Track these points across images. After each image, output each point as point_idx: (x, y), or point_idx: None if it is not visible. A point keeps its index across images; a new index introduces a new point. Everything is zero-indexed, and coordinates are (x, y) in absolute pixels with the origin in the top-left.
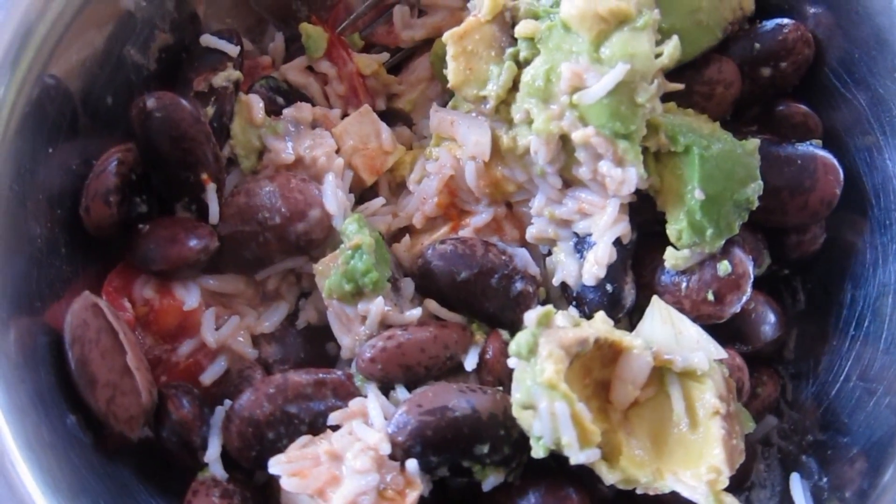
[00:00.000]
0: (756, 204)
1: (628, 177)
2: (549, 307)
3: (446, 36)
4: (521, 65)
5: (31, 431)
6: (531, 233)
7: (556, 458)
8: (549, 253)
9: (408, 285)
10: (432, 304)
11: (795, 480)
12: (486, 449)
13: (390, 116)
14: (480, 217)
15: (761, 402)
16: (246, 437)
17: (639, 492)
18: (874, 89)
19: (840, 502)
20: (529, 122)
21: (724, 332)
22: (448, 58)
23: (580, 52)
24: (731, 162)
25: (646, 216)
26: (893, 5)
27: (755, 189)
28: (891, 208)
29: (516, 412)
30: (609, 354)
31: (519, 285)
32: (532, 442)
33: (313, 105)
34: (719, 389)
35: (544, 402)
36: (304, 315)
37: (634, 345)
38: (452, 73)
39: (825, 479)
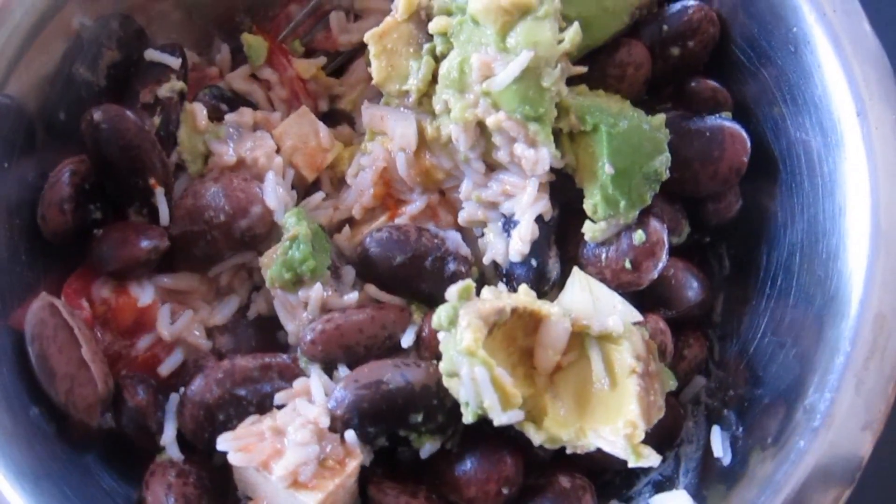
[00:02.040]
0: (665, 175)
1: (541, 156)
2: (469, 281)
3: (367, 36)
4: (437, 59)
5: None
6: (462, 216)
7: (492, 426)
8: (482, 234)
9: (348, 272)
10: (372, 289)
11: (716, 432)
12: (420, 418)
13: (334, 116)
14: (415, 205)
15: (688, 363)
16: (198, 420)
17: (568, 451)
18: (774, 61)
19: (754, 448)
20: (449, 111)
21: (649, 298)
22: (371, 56)
23: (488, 44)
24: (638, 137)
25: (568, 195)
26: None
27: (663, 161)
28: (796, 172)
29: (445, 381)
30: (530, 323)
31: (452, 266)
32: (462, 409)
33: (256, 110)
34: (637, 350)
35: (465, 369)
36: (255, 307)
37: (552, 312)
38: (375, 70)
39: (741, 429)
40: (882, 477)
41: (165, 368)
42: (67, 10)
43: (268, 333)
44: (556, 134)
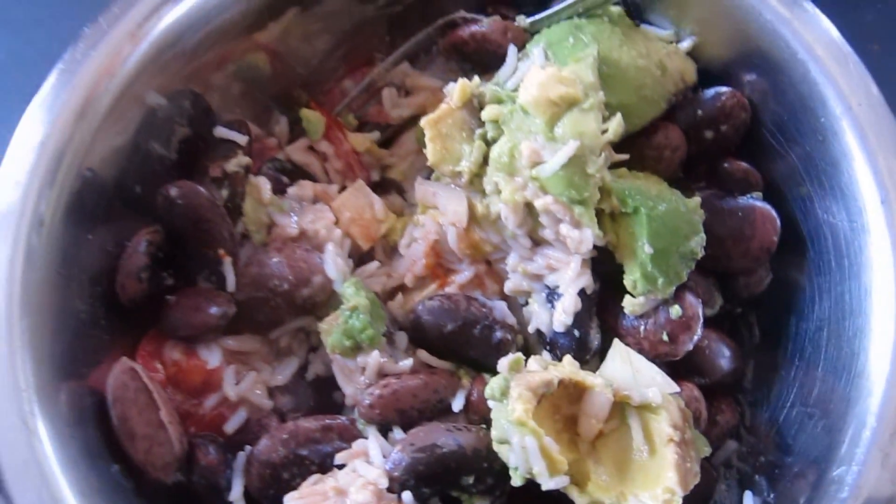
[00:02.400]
0: (700, 254)
1: (585, 237)
2: (519, 355)
3: (423, 122)
4: (489, 143)
5: (83, 479)
6: (508, 287)
7: (538, 486)
8: (526, 303)
9: (401, 338)
10: (423, 354)
11: (748, 498)
12: (471, 480)
13: (384, 186)
14: (463, 275)
15: (720, 428)
16: (264, 478)
17: None
18: (803, 147)
19: None
20: (498, 192)
21: (684, 367)
22: (426, 140)
23: (537, 132)
24: (675, 219)
25: (608, 268)
26: (810, 76)
27: (698, 241)
28: (823, 251)
29: (495, 446)
30: (575, 393)
31: (499, 334)
32: (511, 472)
33: (315, 181)
34: (674, 419)
35: (516, 438)
36: (313, 368)
37: (596, 384)
38: (430, 153)
39: (772, 496)
40: None
41: (231, 426)
42: (141, 86)
43: (325, 393)
44: (599, 214)
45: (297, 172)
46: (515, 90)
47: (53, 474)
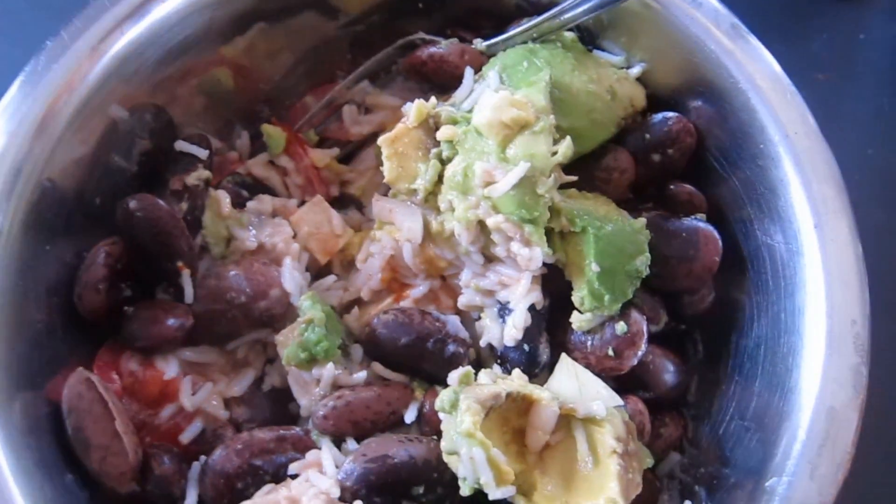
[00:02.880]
0: (645, 273)
1: (535, 255)
2: (469, 368)
3: (381, 140)
4: (444, 162)
5: (37, 490)
6: (462, 302)
7: (485, 496)
8: (479, 318)
9: (356, 351)
10: (378, 367)
11: None
12: (421, 490)
13: (343, 201)
14: (419, 289)
15: (664, 441)
16: (218, 488)
17: None
18: (744, 171)
19: None
20: (452, 210)
21: (630, 381)
22: (384, 158)
23: (490, 153)
24: (621, 239)
25: (558, 285)
26: (751, 104)
27: (643, 261)
28: (761, 271)
29: (445, 457)
30: (523, 406)
31: (451, 348)
32: (460, 482)
33: (275, 195)
34: (617, 432)
35: (464, 449)
36: (269, 379)
37: (543, 397)
38: (387, 170)
39: None
40: None
41: (186, 437)
42: (102, 99)
43: (281, 404)
44: (548, 232)
45: (258, 187)
46: (471, 111)
47: (6, 483)
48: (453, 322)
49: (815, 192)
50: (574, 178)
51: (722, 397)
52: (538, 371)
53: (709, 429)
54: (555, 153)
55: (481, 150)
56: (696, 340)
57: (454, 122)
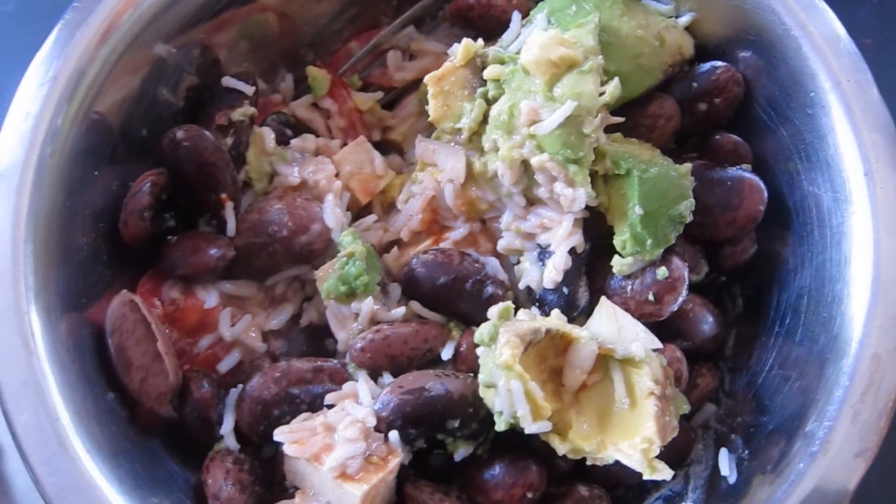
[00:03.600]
0: (689, 218)
1: (578, 195)
2: (509, 303)
3: (427, 78)
4: (489, 102)
5: (80, 402)
6: (501, 245)
7: (520, 437)
8: (518, 262)
9: (395, 289)
10: (416, 305)
11: (723, 454)
12: (456, 423)
13: (384, 147)
14: (458, 231)
15: (700, 391)
16: (255, 414)
17: (588, 462)
18: (792, 121)
19: (757, 470)
20: (496, 150)
21: (668, 330)
22: (429, 96)
23: (537, 92)
24: (665, 183)
25: (599, 231)
26: (802, 51)
27: (687, 206)
28: (807, 222)
29: (482, 391)
30: (561, 345)
31: (490, 289)
32: (495, 417)
33: (317, 136)
34: (655, 374)
35: (502, 381)
36: (307, 315)
37: (581, 336)
38: (432, 109)
39: (746, 452)
40: None
41: (224, 366)
42: (152, 37)
43: (317, 340)
44: (592, 176)
45: (301, 128)
46: (518, 53)
47: (51, 395)
48: (492, 264)
49: (866, 140)
50: (620, 119)
51: (761, 349)
52: (576, 314)
53: (746, 380)
54: (602, 93)
55: (528, 89)
56: (736, 294)
57: (501, 62)
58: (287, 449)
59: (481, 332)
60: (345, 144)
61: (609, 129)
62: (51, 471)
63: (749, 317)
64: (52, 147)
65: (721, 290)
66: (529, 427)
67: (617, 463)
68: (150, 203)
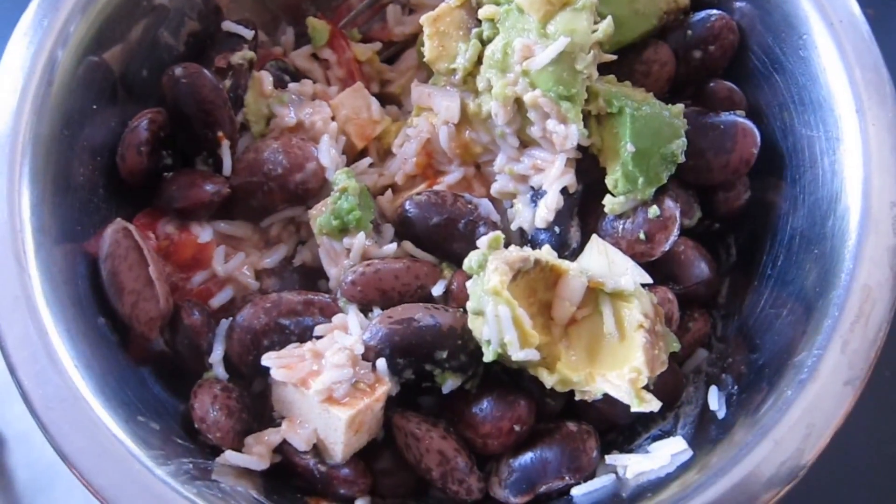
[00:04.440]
0: (681, 158)
1: (570, 132)
2: (498, 232)
3: (423, 18)
4: (484, 42)
5: (70, 321)
6: (495, 188)
7: (510, 374)
8: (511, 206)
9: (388, 230)
10: (408, 245)
11: (713, 391)
12: (444, 355)
13: (383, 99)
14: (453, 175)
15: (692, 335)
16: (245, 344)
17: (577, 397)
18: (786, 66)
19: (747, 401)
20: (490, 90)
21: (660, 272)
22: (424, 37)
23: (530, 30)
24: (657, 122)
25: (592, 176)
26: None
27: (679, 145)
28: (799, 165)
29: (470, 321)
30: (551, 278)
31: (482, 230)
32: (483, 347)
33: (315, 83)
34: (645, 308)
35: (490, 307)
36: (300, 256)
37: (571, 268)
38: (428, 50)
39: (736, 388)
40: None
41: (217, 301)
42: None
43: (310, 280)
44: (585, 116)
45: (300, 76)
46: None
47: (40, 311)
48: (485, 205)
49: (857, 78)
50: (613, 56)
51: (754, 294)
52: (568, 254)
53: (738, 324)
54: (595, 31)
55: (522, 27)
56: (730, 244)
57: (496, 3)
58: (274, 373)
59: (470, 259)
60: None
61: (602, 71)
62: (39, 383)
63: (743, 265)
64: (51, 76)
65: (715, 239)
66: (517, 354)
67: (606, 402)
68: (148, 138)
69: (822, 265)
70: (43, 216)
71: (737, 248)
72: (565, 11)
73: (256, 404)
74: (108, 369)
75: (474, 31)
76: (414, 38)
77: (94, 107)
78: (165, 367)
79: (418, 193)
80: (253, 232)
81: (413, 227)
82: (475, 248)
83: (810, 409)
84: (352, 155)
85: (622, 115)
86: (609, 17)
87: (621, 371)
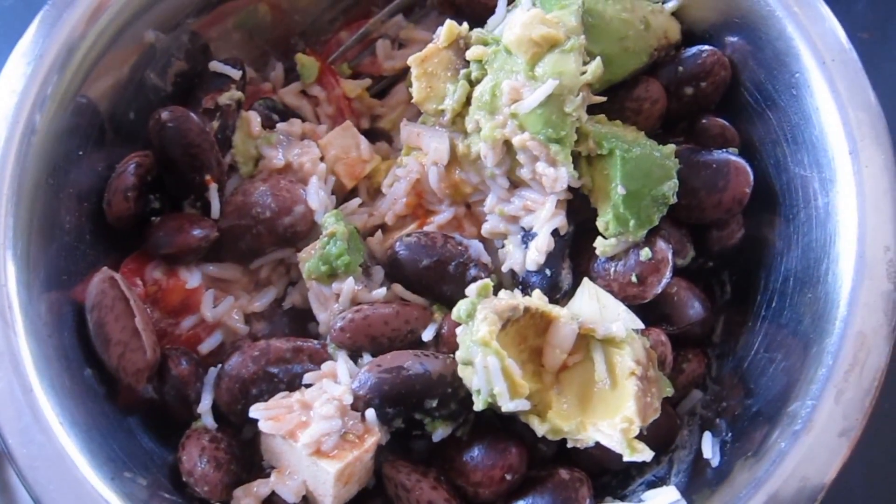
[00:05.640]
0: (672, 199)
1: (560, 175)
2: (487, 281)
3: (410, 59)
4: (472, 83)
5: (55, 376)
6: (486, 228)
7: (501, 420)
8: (503, 246)
9: (378, 272)
10: (398, 288)
11: (707, 437)
12: (434, 403)
13: (373, 134)
14: (443, 215)
15: (686, 376)
16: (233, 393)
17: (569, 444)
18: (778, 104)
19: (740, 451)
20: (479, 131)
21: (653, 313)
22: (413, 78)
23: (518, 72)
24: (649, 163)
25: (583, 215)
26: (786, 32)
27: (671, 186)
28: (793, 204)
29: (460, 370)
30: (541, 324)
31: (473, 272)
32: (473, 396)
33: (304, 122)
34: (637, 355)
35: (479, 357)
36: (290, 298)
37: (561, 314)
38: (416, 90)
39: (730, 435)
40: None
41: (206, 347)
42: (142, 23)
43: (300, 323)
44: (575, 157)
45: (289, 114)
46: (500, 32)
47: (25, 367)
48: (476, 247)
49: (851, 119)
50: (602, 98)
51: (748, 334)
52: (559, 297)
53: (733, 364)
54: (584, 72)
55: (510, 69)
56: (724, 281)
57: (484, 43)
58: (262, 425)
59: (459, 308)
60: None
61: (593, 111)
62: (23, 441)
63: (737, 303)
64: (37, 124)
65: (709, 276)
66: (507, 405)
67: (599, 447)
68: (135, 183)
69: (816, 310)
70: (28, 269)
71: (731, 284)
72: (553, 53)
73: (246, 451)
74: (93, 424)
75: (462, 71)
76: (404, 73)
77: (80, 152)
78: (153, 415)
79: (408, 235)
80: (242, 274)
81: (403, 269)
82: (465, 289)
83: (804, 461)
84: (341, 194)
85: (613, 157)
86: (598, 59)
87: (613, 420)
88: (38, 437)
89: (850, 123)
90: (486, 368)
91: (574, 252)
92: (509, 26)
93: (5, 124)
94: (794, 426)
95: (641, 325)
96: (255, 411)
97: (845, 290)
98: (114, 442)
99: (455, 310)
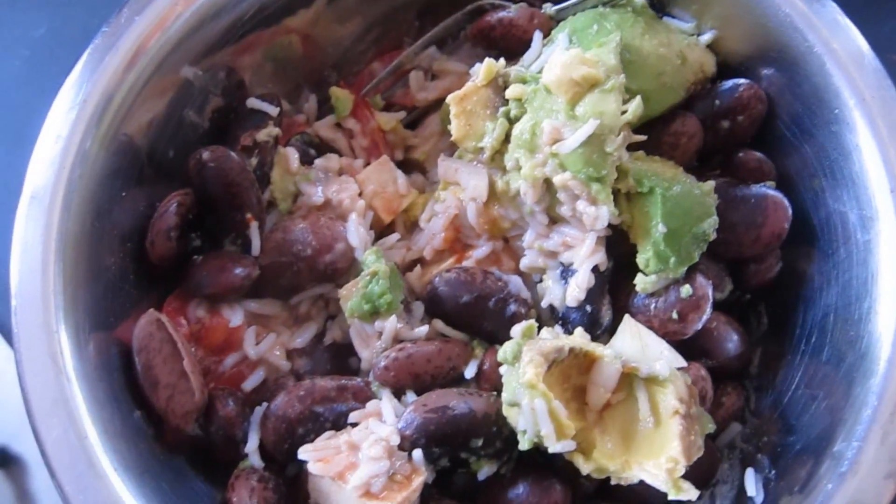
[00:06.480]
0: (712, 236)
1: (601, 214)
2: (532, 321)
3: (449, 98)
4: (511, 121)
5: (107, 420)
6: (524, 263)
7: (544, 456)
8: (541, 280)
9: (418, 308)
10: (439, 324)
11: (749, 474)
12: (480, 442)
13: (407, 165)
14: (481, 250)
15: (726, 410)
16: (280, 433)
17: (613, 481)
18: (816, 138)
19: (784, 490)
20: (519, 168)
21: (692, 348)
22: (451, 116)
23: (559, 111)
24: (689, 201)
25: (622, 249)
26: (825, 68)
27: (711, 224)
28: (832, 240)
29: (505, 410)
30: (584, 363)
31: (513, 307)
32: (519, 436)
33: (340, 156)
34: (680, 393)
35: (525, 400)
36: (331, 334)
37: (605, 354)
38: (455, 129)
39: (773, 472)
40: None
41: (249, 385)
42: (179, 60)
43: (341, 359)
44: (615, 194)
45: (324, 147)
46: (540, 72)
47: (79, 413)
48: (515, 282)
49: (892, 157)
50: (643, 137)
51: (787, 368)
52: (599, 333)
53: (772, 399)
54: (624, 112)
55: (550, 108)
56: (761, 312)
57: (523, 82)
58: (311, 467)
59: (504, 350)
60: (368, 164)
61: (632, 147)
62: (79, 489)
63: (775, 335)
64: (81, 169)
65: (746, 308)
66: (553, 446)
67: (641, 483)
68: (177, 223)
69: (858, 348)
70: (77, 312)
71: (768, 317)
72: (594, 93)
73: (291, 489)
74: (145, 467)
75: (501, 109)
76: (437, 104)
77: (123, 193)
78: (199, 454)
79: (448, 271)
80: (282, 309)
81: (443, 305)
82: (506, 325)
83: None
84: (378, 229)
85: (653, 195)
86: (638, 98)
87: (658, 460)
88: (93, 484)
89: (890, 162)
90: (532, 411)
91: (613, 287)
92: (549, 66)
93: (52, 170)
94: (839, 467)
95: (684, 363)
96: (304, 453)
97: (889, 329)
98: (165, 484)
99: (501, 352)
